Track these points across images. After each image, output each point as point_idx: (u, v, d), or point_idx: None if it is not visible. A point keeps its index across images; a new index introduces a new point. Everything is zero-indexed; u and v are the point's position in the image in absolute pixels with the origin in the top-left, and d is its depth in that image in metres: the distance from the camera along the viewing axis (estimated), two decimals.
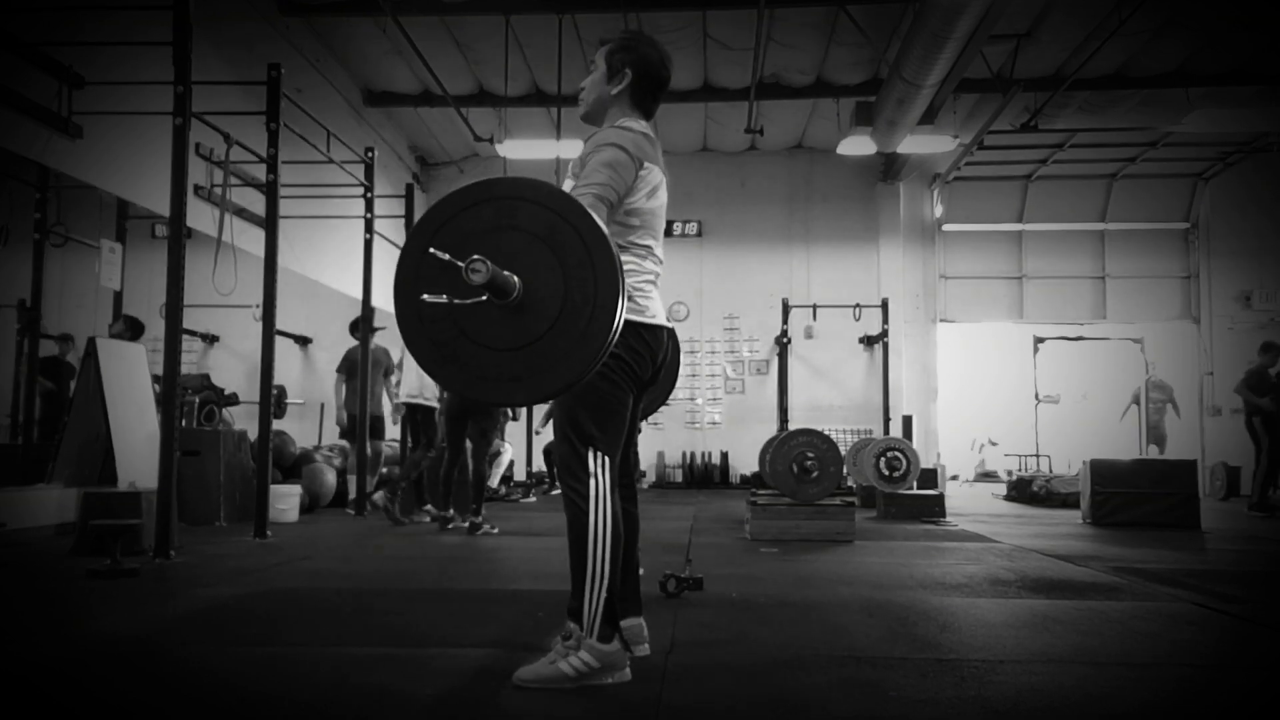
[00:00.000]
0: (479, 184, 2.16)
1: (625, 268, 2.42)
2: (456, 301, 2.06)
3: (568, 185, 2.49)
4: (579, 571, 2.36)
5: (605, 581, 2.34)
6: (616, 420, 2.44)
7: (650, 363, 2.52)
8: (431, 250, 2.07)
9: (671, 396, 12.43)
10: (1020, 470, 12.73)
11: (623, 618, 2.62)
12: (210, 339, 11.78)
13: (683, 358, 13.00)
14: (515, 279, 2.04)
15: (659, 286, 2.62)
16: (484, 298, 2.04)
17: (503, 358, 2.08)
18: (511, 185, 2.13)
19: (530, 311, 2.06)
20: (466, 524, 6.18)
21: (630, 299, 2.44)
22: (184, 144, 5.01)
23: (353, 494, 7.90)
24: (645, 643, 2.69)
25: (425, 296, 2.08)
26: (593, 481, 2.36)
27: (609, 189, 2.36)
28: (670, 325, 2.63)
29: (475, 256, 1.98)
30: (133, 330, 7.29)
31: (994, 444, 14.41)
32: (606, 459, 2.40)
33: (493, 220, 2.09)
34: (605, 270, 2.05)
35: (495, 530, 6.15)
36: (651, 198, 2.54)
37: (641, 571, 2.79)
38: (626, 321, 2.37)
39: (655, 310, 2.54)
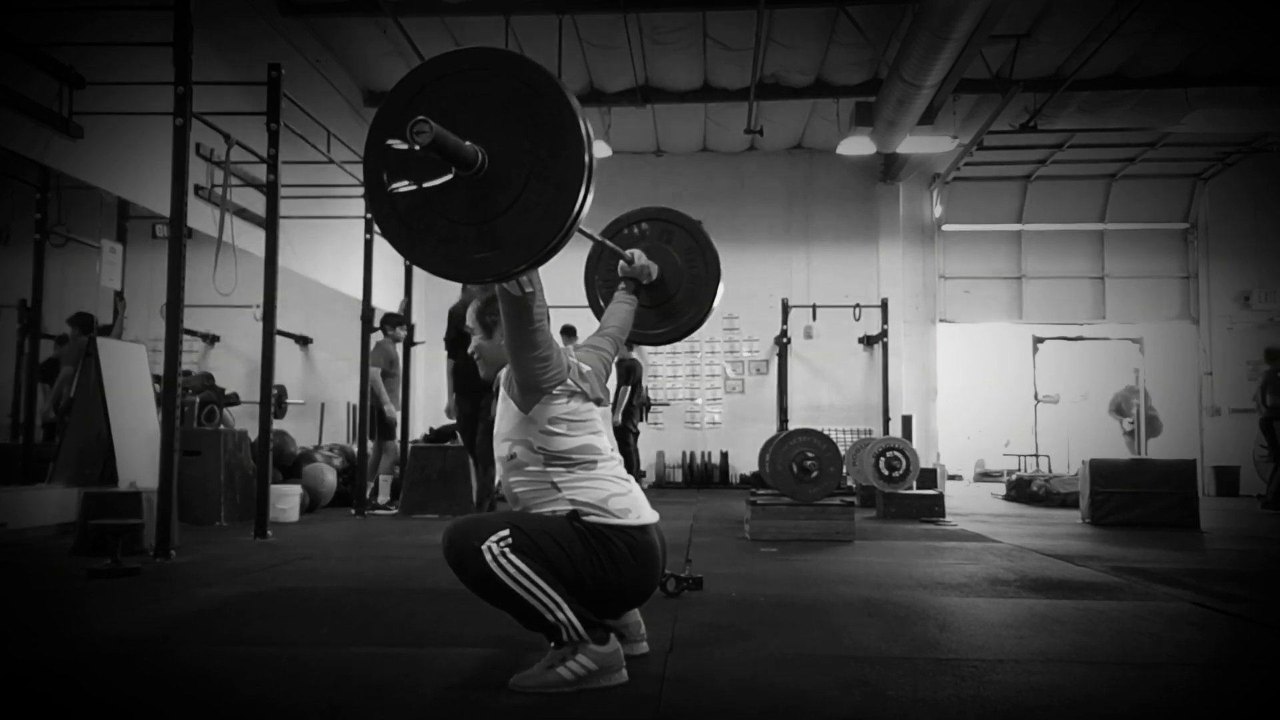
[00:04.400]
0: (421, 67, 2.11)
1: (580, 485, 2.41)
2: (425, 185, 2.02)
3: (502, 411, 2.50)
4: (526, 614, 2.29)
5: (557, 598, 2.28)
6: (553, 554, 2.33)
7: (634, 568, 2.43)
8: (389, 143, 2.03)
9: (671, 396, 12.36)
10: (1020, 470, 12.74)
11: (613, 617, 2.62)
12: (211, 339, 11.77)
13: (683, 358, 13.15)
14: (477, 148, 1.98)
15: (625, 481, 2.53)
16: (450, 176, 1.99)
17: (470, 232, 2.02)
18: (472, 56, 2.07)
19: (496, 184, 2.01)
20: None
21: (605, 508, 2.41)
22: (184, 144, 5.02)
23: (383, 495, 8.01)
24: (644, 639, 2.70)
25: (394, 188, 2.04)
26: (485, 547, 2.27)
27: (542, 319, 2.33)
28: (654, 519, 2.53)
29: (419, 117, 1.89)
30: (82, 328, 7.24)
31: (968, 439, 14.42)
32: (507, 550, 2.28)
33: (456, 91, 2.03)
34: (573, 145, 1.97)
35: None
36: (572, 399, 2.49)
37: None
38: (609, 525, 2.39)
39: (630, 507, 2.46)
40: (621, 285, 3.01)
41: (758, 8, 8.17)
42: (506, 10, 8.86)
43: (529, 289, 2.22)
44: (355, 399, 8.25)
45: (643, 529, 2.45)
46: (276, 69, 5.90)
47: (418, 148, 1.88)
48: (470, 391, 5.70)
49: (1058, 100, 9.98)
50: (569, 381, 2.46)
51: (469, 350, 2.66)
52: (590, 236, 2.75)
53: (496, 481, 6.63)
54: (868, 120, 10.30)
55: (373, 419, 7.93)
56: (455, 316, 5.81)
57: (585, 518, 2.40)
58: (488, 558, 2.24)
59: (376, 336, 8.18)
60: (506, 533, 2.28)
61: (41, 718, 2.21)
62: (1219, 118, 10.42)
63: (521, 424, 2.44)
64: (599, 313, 3.08)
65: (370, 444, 8.07)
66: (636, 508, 2.47)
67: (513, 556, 2.26)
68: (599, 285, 3.17)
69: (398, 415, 8.42)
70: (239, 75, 7.31)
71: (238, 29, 7.95)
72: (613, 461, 2.52)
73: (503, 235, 1.99)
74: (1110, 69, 9.79)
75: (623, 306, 2.96)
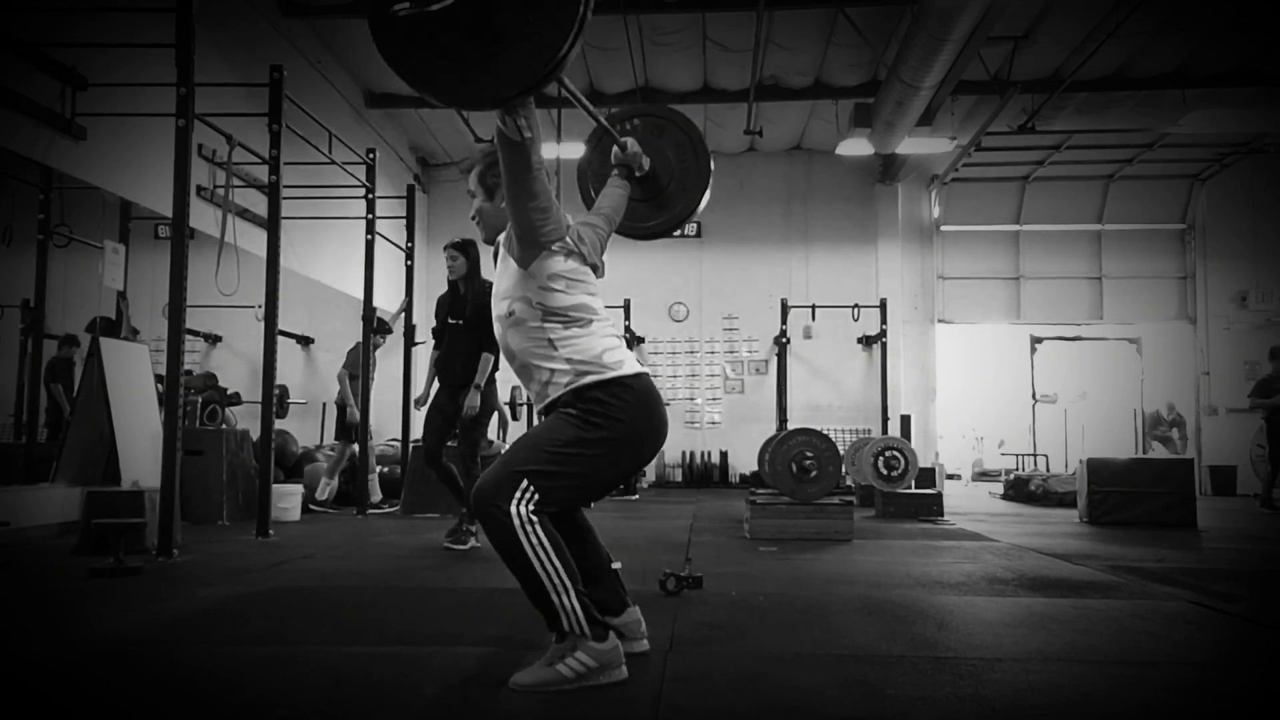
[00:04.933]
0: None
1: (575, 342, 2.47)
2: (428, 9, 2.07)
3: (501, 270, 2.54)
4: (536, 588, 2.30)
5: (568, 583, 2.30)
6: (572, 474, 2.38)
7: (634, 418, 2.51)
8: None
9: (671, 396, 12.35)
10: (1018, 469, 12.76)
11: (615, 615, 2.63)
12: (213, 339, 11.80)
13: (683, 358, 13.17)
14: None
15: (616, 337, 2.59)
16: (450, 1, 2.05)
17: (470, 56, 2.07)
18: None
19: (495, 8, 2.05)
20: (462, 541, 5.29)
21: (600, 362, 2.47)
22: (187, 145, 5.04)
23: (378, 496, 8.01)
24: (644, 638, 2.71)
25: (396, 9, 2.08)
26: (514, 510, 2.29)
27: (543, 184, 2.36)
28: (644, 369, 2.62)
29: None
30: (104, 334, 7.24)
31: (965, 439, 14.46)
32: (537, 496, 2.31)
33: None
34: None
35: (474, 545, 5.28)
36: (570, 258, 2.54)
37: (618, 566, 2.77)
38: (604, 380, 2.44)
39: (624, 359, 2.54)
40: (615, 172, 3.05)
41: (757, 9, 8.18)
42: None
43: (528, 134, 2.24)
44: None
45: (636, 376, 2.53)
46: (278, 70, 5.92)
47: None
48: (450, 386, 5.57)
49: (1056, 101, 9.99)
50: (567, 240, 2.51)
51: (470, 215, 2.70)
52: (586, 108, 2.73)
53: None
54: (866, 121, 10.33)
55: (341, 420, 7.96)
56: (441, 305, 5.79)
57: (583, 380, 2.44)
58: (515, 523, 2.28)
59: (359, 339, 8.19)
60: (526, 484, 2.31)
61: (41, 718, 2.22)
62: (1217, 118, 10.44)
63: (521, 280, 2.49)
64: (590, 205, 3.10)
65: (337, 443, 8.10)
66: (629, 360, 2.54)
67: (539, 529, 2.29)
68: (591, 179, 3.22)
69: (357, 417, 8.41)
70: (241, 77, 7.34)
71: (240, 30, 7.97)
72: (607, 323, 2.58)
73: (502, 60, 2.05)
74: (1109, 70, 9.81)
75: (616, 190, 3.00)
